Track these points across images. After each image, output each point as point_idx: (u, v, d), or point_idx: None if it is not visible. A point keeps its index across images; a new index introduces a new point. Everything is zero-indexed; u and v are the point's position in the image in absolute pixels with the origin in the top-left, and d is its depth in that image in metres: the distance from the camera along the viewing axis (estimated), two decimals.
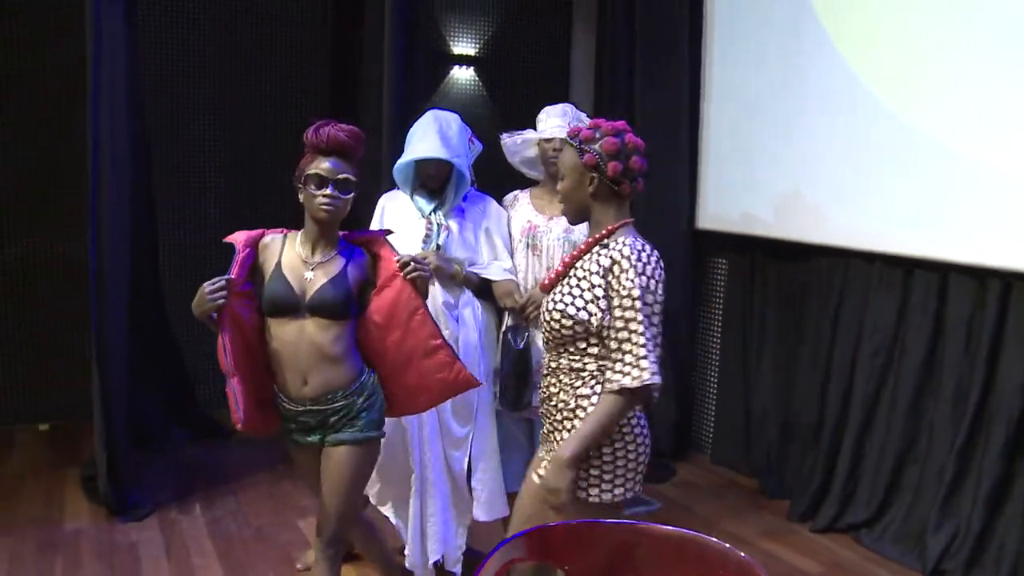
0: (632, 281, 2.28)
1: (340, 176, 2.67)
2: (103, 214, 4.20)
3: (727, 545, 1.95)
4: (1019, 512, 3.67)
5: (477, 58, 6.48)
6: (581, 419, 2.37)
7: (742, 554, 1.91)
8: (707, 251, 5.39)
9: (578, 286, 2.38)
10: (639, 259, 2.31)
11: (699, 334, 5.47)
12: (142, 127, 4.84)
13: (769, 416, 4.89)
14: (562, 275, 2.47)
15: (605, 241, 2.41)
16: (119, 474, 4.36)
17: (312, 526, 4.19)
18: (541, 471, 2.46)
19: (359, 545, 3.46)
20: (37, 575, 3.73)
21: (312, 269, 2.71)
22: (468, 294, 3.46)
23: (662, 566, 2.05)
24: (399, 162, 3.38)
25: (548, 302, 2.46)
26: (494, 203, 3.58)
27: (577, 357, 2.41)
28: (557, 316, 2.39)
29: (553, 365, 2.48)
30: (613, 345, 2.31)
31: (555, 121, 3.44)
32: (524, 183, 3.76)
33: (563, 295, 2.41)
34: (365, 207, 3.68)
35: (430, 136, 3.30)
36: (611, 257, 2.33)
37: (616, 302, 2.31)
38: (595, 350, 2.38)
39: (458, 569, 3.55)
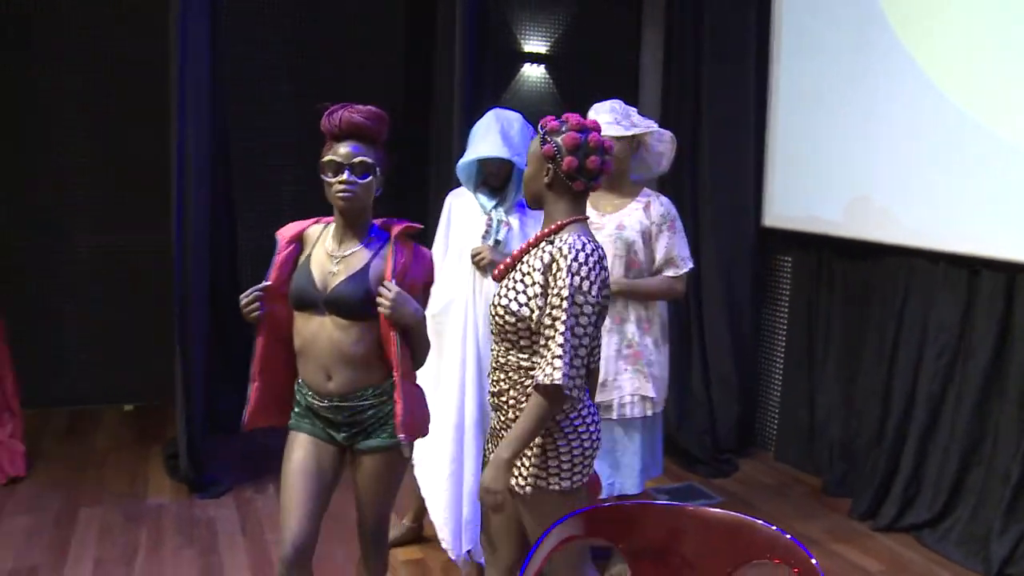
0: (564, 280, 2.26)
1: (356, 160, 2.49)
2: (187, 207, 4.41)
3: (774, 527, 2.02)
4: None
5: (547, 56, 6.57)
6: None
7: (788, 535, 1.97)
8: (773, 249, 5.41)
9: (522, 281, 2.37)
10: (576, 259, 2.28)
11: (763, 331, 5.50)
12: (223, 123, 5.05)
13: (833, 414, 4.90)
14: (510, 267, 2.45)
15: (552, 237, 2.39)
16: (198, 454, 4.58)
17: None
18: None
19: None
20: (125, 544, 3.95)
21: (337, 262, 2.57)
22: None
23: (711, 548, 2.13)
24: (461, 161, 3.45)
25: (495, 296, 2.44)
26: None
27: (525, 356, 2.39)
28: (501, 311, 2.38)
29: (502, 360, 2.44)
30: (542, 342, 2.31)
31: (603, 118, 3.43)
32: None
33: (508, 289, 2.40)
34: (436, 203, 3.80)
35: (491, 135, 3.36)
36: (551, 254, 2.32)
37: (549, 300, 2.30)
38: (515, 339, 2.40)
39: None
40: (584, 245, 2.30)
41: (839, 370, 4.89)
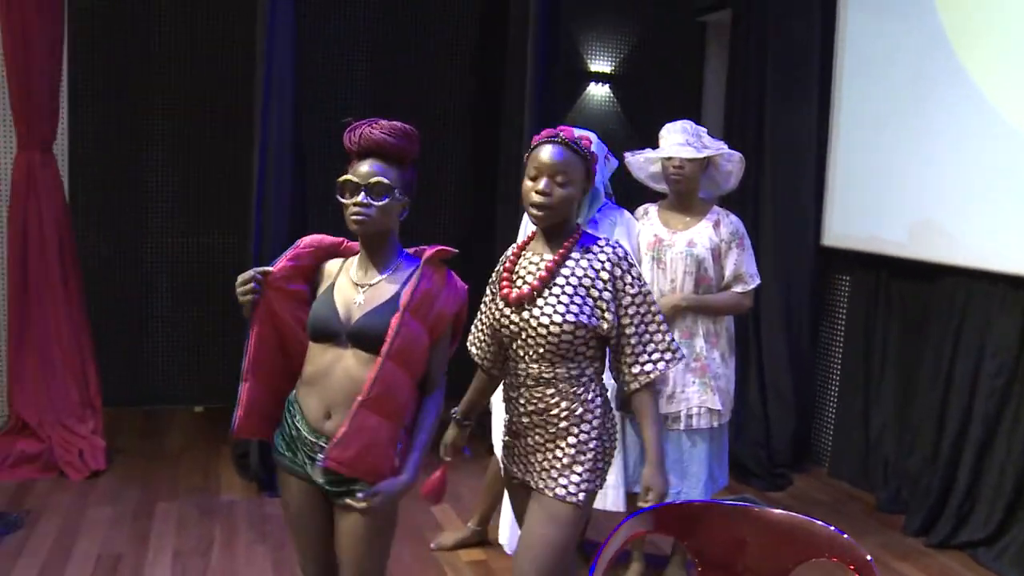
0: (638, 277, 2.41)
1: (373, 180, 2.29)
2: (267, 211, 4.61)
3: (832, 528, 2.13)
4: None
5: (613, 75, 6.72)
6: (589, 422, 2.41)
7: (845, 535, 2.08)
8: (832, 267, 5.49)
9: (576, 294, 2.36)
10: (628, 255, 2.44)
11: (820, 348, 5.57)
12: (302, 131, 5.27)
13: (888, 432, 4.96)
14: (542, 287, 2.39)
15: (586, 246, 2.43)
16: (269, 453, 4.76)
17: (447, 513, 4.50)
18: (548, 491, 2.43)
19: None
20: (200, 536, 4.14)
21: (362, 292, 2.36)
22: None
23: (772, 546, 2.25)
24: None
25: (538, 315, 2.37)
26: (626, 215, 3.67)
27: (575, 364, 2.39)
28: (557, 329, 2.34)
29: (547, 376, 2.39)
30: (633, 341, 2.39)
31: (676, 138, 3.52)
32: (655, 196, 3.91)
33: (560, 305, 2.35)
34: (504, 216, 3.95)
35: None
36: (610, 260, 2.39)
37: (627, 300, 2.38)
38: (592, 353, 2.42)
39: None
40: (623, 247, 2.46)
41: (895, 388, 4.95)
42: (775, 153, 5.41)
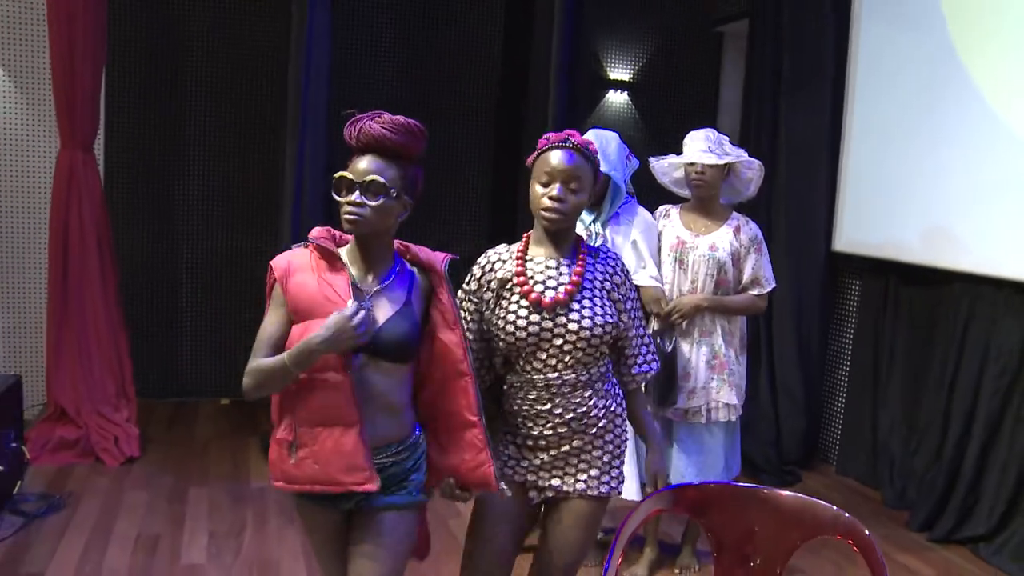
0: (632, 284, 2.54)
1: (368, 178, 2.15)
2: (303, 212, 4.80)
3: (835, 508, 2.31)
4: None
5: (631, 83, 6.90)
6: (620, 415, 2.52)
7: (847, 515, 2.26)
8: (842, 272, 5.67)
9: (598, 296, 2.42)
10: (622, 260, 2.55)
11: (830, 350, 5.74)
12: (337, 135, 5.47)
13: (895, 431, 5.12)
14: (575, 291, 2.39)
15: (592, 251, 2.52)
16: None
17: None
18: (592, 491, 2.46)
19: None
20: (234, 520, 4.34)
21: (369, 297, 2.20)
22: None
23: (781, 525, 2.43)
24: None
25: (577, 319, 2.37)
26: (646, 214, 3.79)
27: (603, 363, 2.46)
28: (600, 331, 2.38)
29: (584, 379, 2.40)
30: (635, 343, 2.54)
31: (699, 145, 3.66)
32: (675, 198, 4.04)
33: (596, 307, 2.40)
34: (525, 220, 4.10)
35: None
36: (616, 264, 2.51)
37: (628, 304, 2.49)
38: (608, 351, 2.49)
39: None
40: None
41: (902, 389, 5.11)
42: (788, 160, 5.58)
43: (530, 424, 2.44)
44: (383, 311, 2.19)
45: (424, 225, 6.33)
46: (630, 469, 3.71)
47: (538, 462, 2.46)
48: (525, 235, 2.52)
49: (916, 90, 4.91)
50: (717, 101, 7.12)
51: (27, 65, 5.34)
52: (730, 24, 6.79)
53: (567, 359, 2.38)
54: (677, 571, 4.01)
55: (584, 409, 2.41)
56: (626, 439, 2.54)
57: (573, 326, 2.36)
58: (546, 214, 2.37)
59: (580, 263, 2.43)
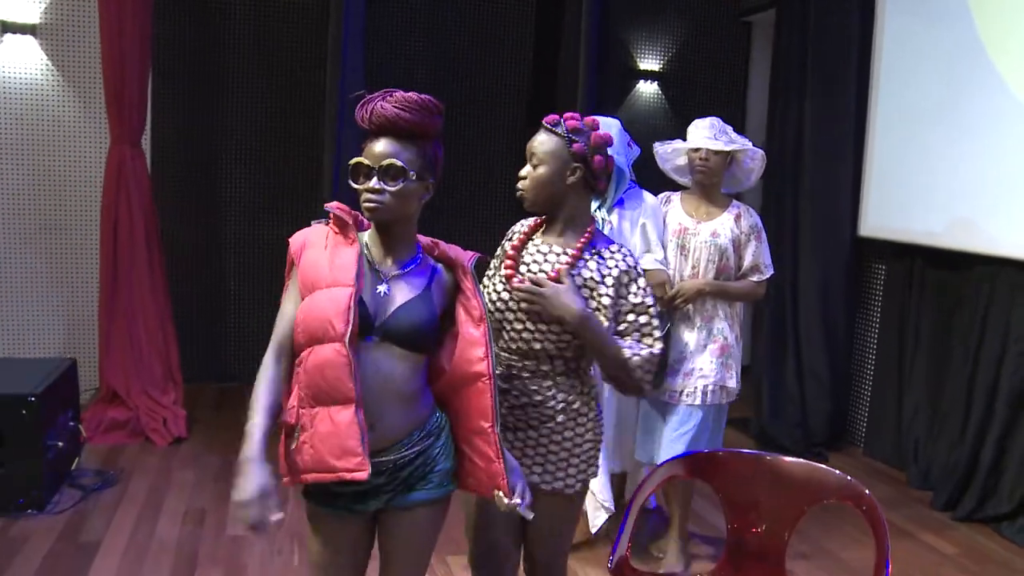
0: (645, 289, 2.36)
1: (385, 162, 2.05)
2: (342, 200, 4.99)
3: (837, 472, 2.45)
4: None
5: (661, 73, 7.02)
6: (587, 417, 2.41)
7: (849, 478, 2.40)
8: (868, 257, 5.76)
9: (577, 295, 2.29)
10: (638, 264, 2.41)
11: (857, 334, 5.84)
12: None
13: (919, 412, 5.21)
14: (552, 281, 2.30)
15: (596, 248, 2.39)
16: None
17: None
18: (544, 485, 2.40)
19: None
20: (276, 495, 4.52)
21: (386, 281, 2.14)
22: None
23: (790, 489, 2.57)
24: None
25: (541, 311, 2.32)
26: (652, 198, 3.85)
27: (570, 356, 2.38)
28: (558, 328, 2.32)
29: (545, 369, 2.37)
30: (637, 325, 2.35)
31: (703, 132, 3.70)
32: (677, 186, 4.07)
33: None
34: None
35: None
36: (619, 267, 2.35)
37: (627, 307, 2.34)
38: (570, 353, 2.39)
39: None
40: (630, 251, 2.43)
41: (926, 371, 5.20)
42: (815, 149, 5.68)
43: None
44: (401, 296, 2.11)
45: (456, 217, 6.57)
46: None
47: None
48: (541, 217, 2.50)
49: (940, 79, 4.98)
50: (746, 90, 7.22)
51: (80, 67, 5.57)
52: (758, 14, 6.89)
53: (524, 346, 2.36)
54: (659, 555, 3.99)
55: (540, 399, 2.36)
56: (590, 439, 2.42)
57: (535, 316, 2.32)
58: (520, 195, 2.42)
59: (573, 256, 2.35)
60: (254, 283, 6.47)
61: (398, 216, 2.10)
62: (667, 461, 2.57)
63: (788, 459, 2.59)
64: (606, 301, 2.31)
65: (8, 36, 5.38)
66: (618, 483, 4.24)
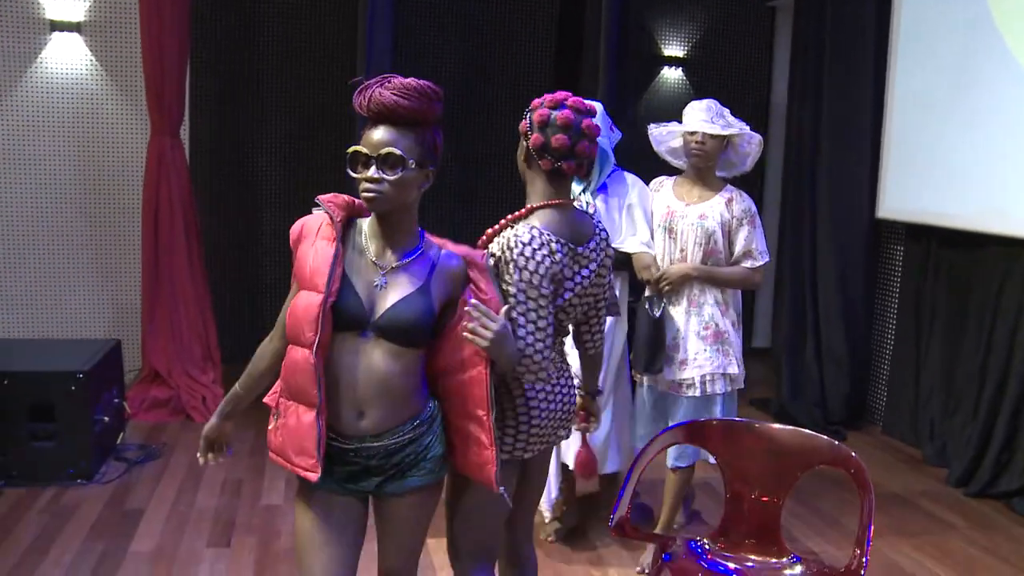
0: (513, 277, 2.23)
1: (384, 151, 2.02)
2: None
3: (825, 438, 2.60)
4: None
5: (686, 60, 7.13)
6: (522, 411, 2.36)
7: (837, 443, 2.55)
8: (886, 239, 5.86)
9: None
10: (522, 253, 2.23)
11: (876, 315, 5.94)
12: None
13: (935, 391, 5.32)
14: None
15: (515, 223, 2.35)
16: None
17: None
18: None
19: None
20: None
21: (384, 274, 2.11)
22: None
23: (785, 455, 2.72)
24: None
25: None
26: (637, 180, 3.77)
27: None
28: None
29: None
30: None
31: (698, 115, 3.58)
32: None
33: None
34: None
35: None
36: (501, 247, 2.27)
37: (504, 292, 2.25)
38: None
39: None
40: (532, 239, 2.24)
41: (941, 351, 5.30)
42: (833, 133, 5.79)
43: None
44: (398, 290, 2.09)
45: (484, 205, 6.73)
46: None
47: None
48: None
49: (955, 61, 5.06)
50: (771, 75, 7.30)
51: (122, 62, 5.81)
52: None
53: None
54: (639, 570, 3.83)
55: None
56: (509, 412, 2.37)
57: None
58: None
59: (487, 236, 2.37)
60: (286, 268, 6.65)
61: (397, 205, 2.08)
62: (668, 429, 2.73)
63: (778, 426, 2.74)
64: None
65: (55, 34, 5.64)
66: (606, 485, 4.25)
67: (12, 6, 5.56)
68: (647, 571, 3.69)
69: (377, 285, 2.09)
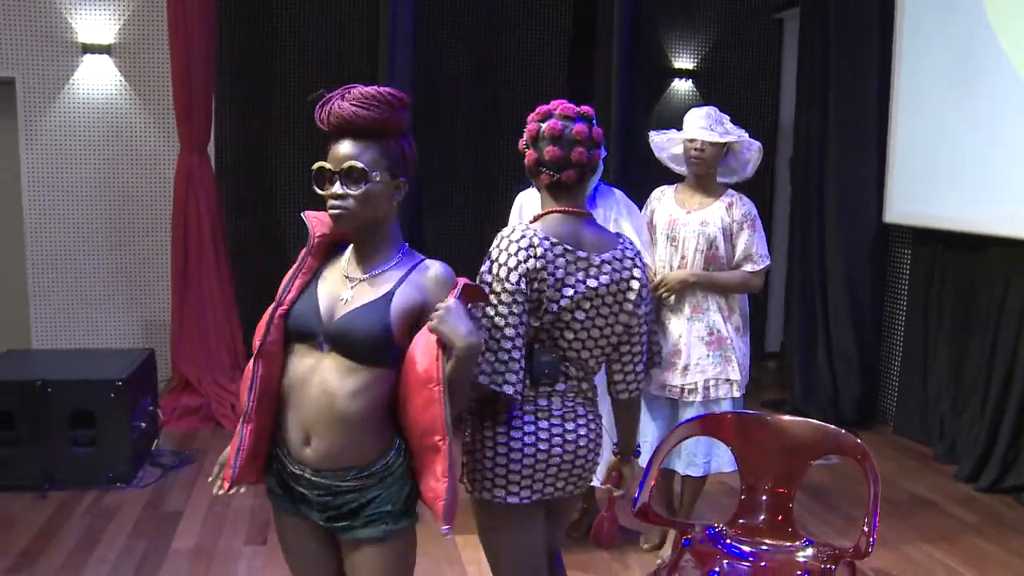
0: (484, 266, 2.21)
1: (345, 165, 1.95)
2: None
3: (832, 427, 2.75)
4: None
5: (695, 71, 7.29)
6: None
7: (843, 431, 2.70)
8: (894, 243, 6.00)
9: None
10: (498, 245, 2.20)
11: (885, 318, 6.09)
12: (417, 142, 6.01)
13: (944, 390, 5.45)
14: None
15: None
16: None
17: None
18: None
19: None
20: None
21: (352, 287, 2.03)
22: None
23: (797, 445, 2.87)
24: None
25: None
26: (623, 194, 3.76)
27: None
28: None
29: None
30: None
31: (697, 123, 3.59)
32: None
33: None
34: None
35: None
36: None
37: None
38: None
39: None
40: (514, 233, 2.19)
41: (949, 350, 5.45)
42: (840, 140, 5.96)
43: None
44: (358, 301, 1.99)
45: (500, 211, 6.83)
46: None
47: None
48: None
49: (956, 64, 5.19)
50: (780, 86, 7.45)
51: (150, 83, 6.04)
52: (789, 10, 7.13)
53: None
54: (645, 546, 3.98)
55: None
56: (478, 449, 2.28)
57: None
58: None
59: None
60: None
61: (366, 220, 1.99)
62: (685, 422, 2.88)
63: (788, 418, 2.90)
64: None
65: (87, 56, 5.87)
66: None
67: (47, 31, 5.81)
68: (665, 562, 3.66)
69: (343, 299, 2.01)
